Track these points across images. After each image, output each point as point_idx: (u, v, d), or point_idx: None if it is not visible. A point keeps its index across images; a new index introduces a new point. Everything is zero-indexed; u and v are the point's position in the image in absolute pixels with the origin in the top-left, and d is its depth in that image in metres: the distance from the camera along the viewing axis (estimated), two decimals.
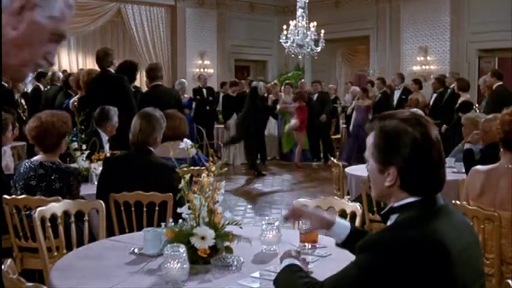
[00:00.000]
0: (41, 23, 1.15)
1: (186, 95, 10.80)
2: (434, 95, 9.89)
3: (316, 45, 12.69)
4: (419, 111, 5.59)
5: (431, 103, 9.92)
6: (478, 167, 3.50)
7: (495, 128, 3.40)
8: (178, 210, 2.39)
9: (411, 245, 1.51)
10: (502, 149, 3.31)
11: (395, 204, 1.67)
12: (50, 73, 9.04)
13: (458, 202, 3.23)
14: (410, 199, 1.64)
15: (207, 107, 11.44)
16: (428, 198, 1.65)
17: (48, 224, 3.02)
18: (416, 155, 1.62)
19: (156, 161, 3.48)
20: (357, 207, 3.10)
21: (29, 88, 9.78)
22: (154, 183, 3.35)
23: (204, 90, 11.68)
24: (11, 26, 1.12)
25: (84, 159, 4.39)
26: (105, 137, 4.92)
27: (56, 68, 14.11)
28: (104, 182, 3.52)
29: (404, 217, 1.62)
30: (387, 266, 1.51)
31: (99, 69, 6.09)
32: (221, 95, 12.08)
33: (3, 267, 1.90)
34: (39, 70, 11.62)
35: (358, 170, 5.06)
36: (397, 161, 1.63)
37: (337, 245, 2.07)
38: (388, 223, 1.70)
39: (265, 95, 10.96)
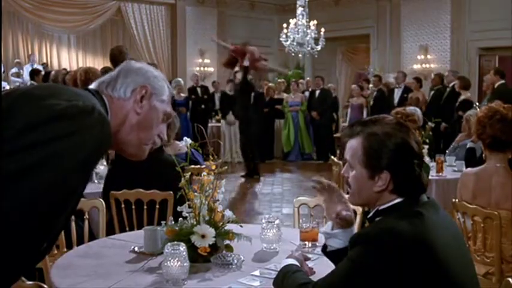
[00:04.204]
0: (156, 106, 1.49)
1: (182, 94, 10.81)
2: (432, 92, 9.89)
3: (317, 43, 12.70)
4: (417, 110, 5.59)
5: (428, 100, 9.92)
6: (468, 169, 3.52)
7: (475, 136, 3.36)
8: (179, 208, 2.38)
9: (402, 237, 1.53)
10: (487, 152, 3.27)
11: (382, 207, 1.69)
12: (53, 72, 9.04)
13: (457, 201, 3.22)
14: (397, 200, 1.67)
15: (202, 106, 11.48)
16: (414, 197, 1.67)
17: None
18: (407, 157, 1.65)
19: (167, 159, 3.48)
20: None
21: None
22: (166, 180, 3.34)
23: (199, 89, 11.73)
24: (134, 111, 1.45)
25: None
26: None
27: (55, 66, 14.15)
28: (115, 177, 3.52)
29: (394, 214, 1.64)
30: (379, 258, 1.52)
31: (97, 68, 6.09)
32: (218, 93, 12.13)
33: None
34: (34, 67, 11.68)
35: None
36: (389, 165, 1.64)
37: (326, 252, 1.94)
38: None
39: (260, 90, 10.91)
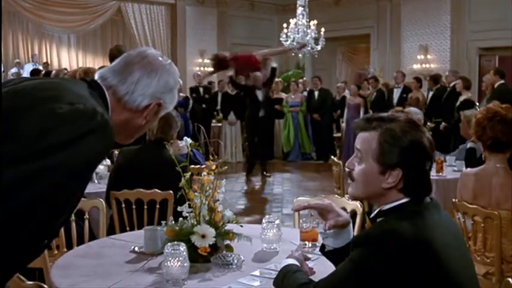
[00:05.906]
0: (158, 117, 1.58)
1: (182, 94, 10.80)
2: (431, 93, 9.88)
3: (317, 43, 12.69)
4: (416, 110, 5.59)
5: (427, 101, 9.92)
6: (468, 170, 3.51)
7: (475, 138, 3.37)
8: (179, 208, 2.38)
9: (403, 238, 1.53)
10: (487, 153, 3.26)
11: (385, 207, 1.67)
12: (53, 72, 9.04)
13: (457, 201, 3.22)
14: (402, 200, 1.66)
15: (204, 105, 11.46)
16: (420, 198, 1.66)
17: None
18: (420, 156, 1.65)
19: (169, 158, 3.49)
20: (357, 205, 3.10)
21: None
22: (171, 178, 3.34)
23: (201, 89, 11.71)
24: (144, 119, 1.51)
25: None
26: None
27: (55, 66, 14.16)
28: (118, 177, 3.53)
29: (396, 214, 1.63)
30: (380, 259, 1.52)
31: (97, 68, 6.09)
32: (220, 93, 12.12)
33: None
34: (35, 67, 11.66)
35: None
36: (402, 162, 1.63)
37: (324, 251, 1.93)
38: None
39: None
